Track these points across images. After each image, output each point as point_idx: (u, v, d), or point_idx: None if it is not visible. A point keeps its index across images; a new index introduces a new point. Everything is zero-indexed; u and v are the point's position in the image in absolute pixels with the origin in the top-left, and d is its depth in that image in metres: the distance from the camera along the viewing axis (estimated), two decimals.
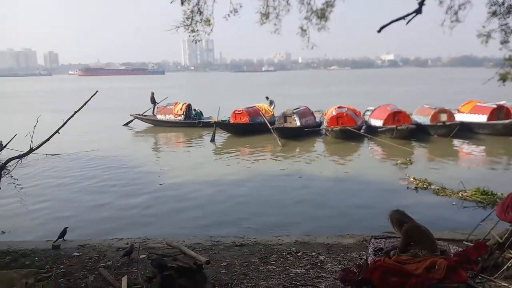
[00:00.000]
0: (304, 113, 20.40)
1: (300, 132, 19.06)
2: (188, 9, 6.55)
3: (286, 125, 19.54)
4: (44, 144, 5.54)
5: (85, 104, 5.72)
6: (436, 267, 4.15)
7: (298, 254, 6.16)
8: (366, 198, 10.22)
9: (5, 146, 14.49)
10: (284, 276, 5.40)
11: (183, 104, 23.70)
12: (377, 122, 19.17)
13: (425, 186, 10.75)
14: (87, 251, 6.47)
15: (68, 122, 5.55)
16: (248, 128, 20.30)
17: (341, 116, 18.88)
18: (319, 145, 18.21)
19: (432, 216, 8.50)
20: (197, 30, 6.72)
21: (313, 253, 6.15)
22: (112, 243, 6.82)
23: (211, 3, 6.59)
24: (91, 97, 5.82)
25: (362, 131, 18.97)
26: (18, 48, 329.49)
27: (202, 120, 22.94)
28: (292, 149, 17.06)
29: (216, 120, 20.48)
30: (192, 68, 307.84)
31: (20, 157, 5.72)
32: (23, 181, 12.29)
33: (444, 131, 18.16)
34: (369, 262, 4.68)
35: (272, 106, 23.54)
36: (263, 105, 22.33)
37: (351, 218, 8.88)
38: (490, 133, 18.28)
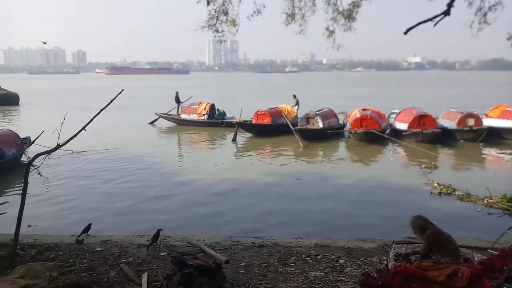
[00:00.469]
0: (327, 115, 20.25)
1: (322, 134, 18.90)
2: (213, 9, 6.61)
3: (308, 126, 19.43)
4: (70, 141, 5.66)
5: (111, 102, 5.82)
6: (459, 274, 4.04)
7: (318, 257, 6.12)
8: (388, 202, 10.07)
9: (33, 142, 15.03)
10: (303, 278, 5.38)
11: (206, 104, 23.87)
12: (402, 126, 18.87)
13: (449, 191, 10.51)
14: (109, 246, 6.58)
15: (94, 119, 5.65)
16: (270, 129, 20.28)
17: (365, 118, 18.65)
18: (341, 147, 18.05)
19: (456, 222, 8.31)
20: (222, 31, 6.78)
21: (333, 257, 6.10)
22: (133, 240, 6.92)
23: (237, 3, 6.63)
24: (117, 95, 5.92)
25: (386, 134, 18.72)
26: (48, 47, 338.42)
27: (225, 120, 23.04)
28: (314, 151, 16.96)
29: (238, 120, 20.56)
30: (216, 68, 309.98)
31: (47, 153, 5.84)
32: (49, 176, 12.58)
33: (471, 136, 17.72)
34: (389, 267, 4.61)
35: (297, 107, 23.47)
36: (286, 106, 22.26)
37: (372, 222, 8.75)
38: None
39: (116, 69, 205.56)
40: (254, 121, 20.89)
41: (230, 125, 21.44)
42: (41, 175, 12.57)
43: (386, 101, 33.37)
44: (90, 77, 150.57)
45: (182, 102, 25.55)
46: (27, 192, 5.70)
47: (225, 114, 24.04)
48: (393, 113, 21.15)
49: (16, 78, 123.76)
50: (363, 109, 19.89)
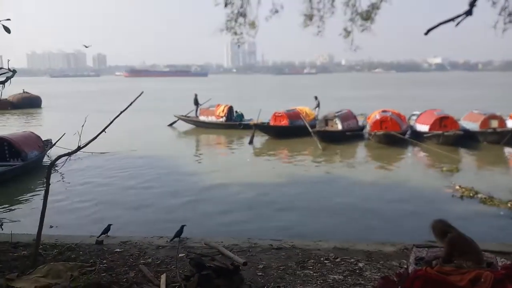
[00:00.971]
0: (346, 117, 20.09)
1: (341, 136, 18.76)
2: (231, 11, 6.62)
3: (327, 128, 19.31)
4: (91, 143, 5.73)
5: (131, 104, 5.88)
6: (482, 279, 3.94)
7: (337, 260, 6.05)
8: (408, 205, 9.92)
9: (54, 144, 15.25)
10: (322, 281, 5.33)
11: (225, 106, 23.97)
12: (422, 127, 18.58)
13: (471, 194, 10.30)
14: (128, 247, 6.64)
15: (114, 121, 5.71)
16: (287, 130, 20.22)
17: (385, 120, 18.42)
18: (361, 149, 17.88)
19: (478, 226, 8.14)
20: (241, 33, 6.78)
21: (352, 260, 6.03)
22: (152, 241, 6.97)
23: (255, 5, 6.63)
24: (137, 97, 5.97)
25: (407, 136, 18.46)
26: (69, 50, 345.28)
27: (243, 122, 23.07)
28: (332, 153, 16.85)
29: (256, 122, 20.56)
30: (234, 70, 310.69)
31: (69, 154, 5.92)
32: (70, 178, 12.82)
33: (495, 138, 17.34)
34: (409, 271, 4.53)
35: (318, 108, 23.35)
36: (304, 108, 22.18)
37: (392, 225, 8.65)
38: None
39: (135, 72, 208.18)
40: (271, 123, 20.88)
41: (248, 127, 21.46)
42: (62, 177, 12.82)
43: (406, 103, 32.92)
44: (110, 80, 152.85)
45: (200, 104, 25.72)
46: (49, 193, 5.79)
47: (243, 116, 24.10)
48: (413, 114, 20.85)
49: (38, 81, 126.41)
50: (383, 111, 19.67)
